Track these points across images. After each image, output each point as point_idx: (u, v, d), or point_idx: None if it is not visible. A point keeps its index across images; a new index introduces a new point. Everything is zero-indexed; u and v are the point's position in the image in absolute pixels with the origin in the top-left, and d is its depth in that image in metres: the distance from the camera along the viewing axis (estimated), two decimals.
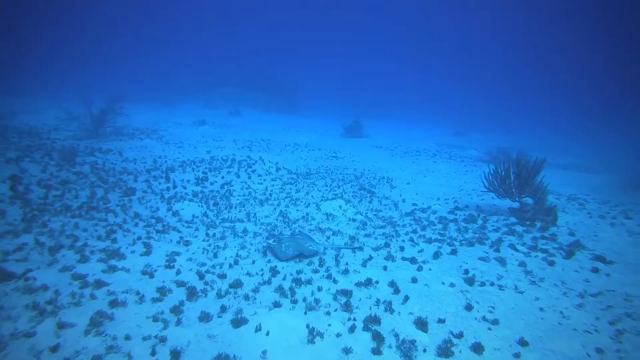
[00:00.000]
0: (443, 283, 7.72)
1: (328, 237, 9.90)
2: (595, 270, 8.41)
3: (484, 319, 6.47)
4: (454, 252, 9.24)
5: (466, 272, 8.18)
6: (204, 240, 9.16)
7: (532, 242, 10.01)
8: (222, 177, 14.66)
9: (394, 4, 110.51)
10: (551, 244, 9.93)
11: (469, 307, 6.75)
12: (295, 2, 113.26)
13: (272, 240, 8.81)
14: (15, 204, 10.16)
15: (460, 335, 5.95)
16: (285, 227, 10.41)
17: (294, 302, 6.64)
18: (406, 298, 6.98)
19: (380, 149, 25.82)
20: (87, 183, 12.57)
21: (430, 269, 8.33)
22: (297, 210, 11.92)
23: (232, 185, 13.92)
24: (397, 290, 7.26)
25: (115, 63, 71.61)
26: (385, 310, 6.57)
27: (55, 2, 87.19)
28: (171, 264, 7.71)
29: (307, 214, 11.58)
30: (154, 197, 11.93)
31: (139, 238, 8.89)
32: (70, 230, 8.92)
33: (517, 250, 9.39)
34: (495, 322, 6.37)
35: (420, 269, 8.29)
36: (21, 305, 5.90)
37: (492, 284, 7.66)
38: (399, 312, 6.56)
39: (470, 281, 7.71)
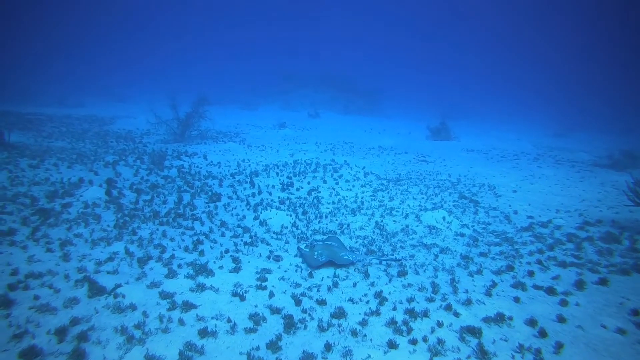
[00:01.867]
0: (604, 327, 5.88)
1: (436, 255, 8.41)
2: None
3: None
4: (603, 281, 7.26)
5: (635, 313, 6.21)
6: (295, 256, 8.16)
7: None
8: (308, 183, 13.73)
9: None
10: None
11: None
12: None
13: (305, 245, 8.03)
14: (109, 208, 10.10)
15: None
16: (384, 242, 9.08)
17: (413, 342, 5.31)
18: (559, 346, 5.32)
19: (471, 152, 23.41)
20: (174, 187, 12.39)
21: (577, 304, 6.52)
22: (394, 221, 10.52)
23: (319, 192, 12.90)
24: (542, 333, 5.61)
25: (197, 65, 76.43)
26: None
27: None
28: (263, 284, 6.77)
29: (407, 226, 10.14)
30: (240, 204, 11.31)
31: (227, 251, 8.15)
32: (158, 239, 8.46)
33: None
34: None
35: (564, 303, 6.51)
36: (110, 327, 5.29)
37: None
38: None
39: None
